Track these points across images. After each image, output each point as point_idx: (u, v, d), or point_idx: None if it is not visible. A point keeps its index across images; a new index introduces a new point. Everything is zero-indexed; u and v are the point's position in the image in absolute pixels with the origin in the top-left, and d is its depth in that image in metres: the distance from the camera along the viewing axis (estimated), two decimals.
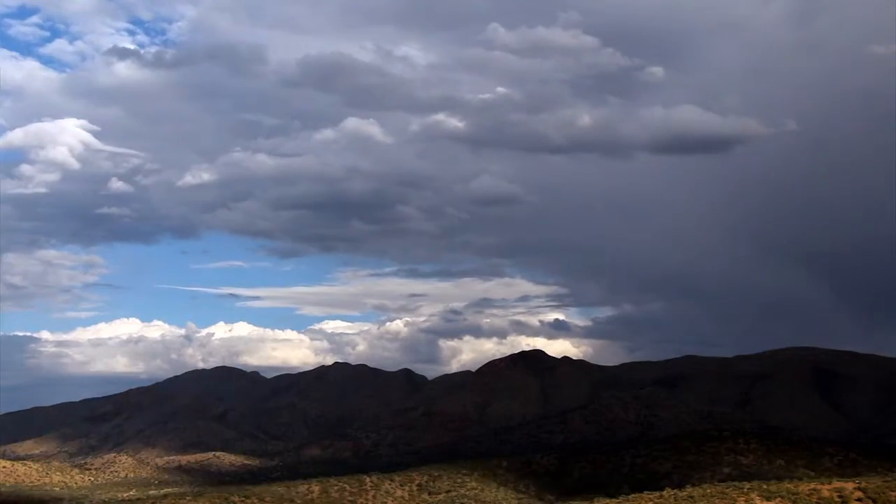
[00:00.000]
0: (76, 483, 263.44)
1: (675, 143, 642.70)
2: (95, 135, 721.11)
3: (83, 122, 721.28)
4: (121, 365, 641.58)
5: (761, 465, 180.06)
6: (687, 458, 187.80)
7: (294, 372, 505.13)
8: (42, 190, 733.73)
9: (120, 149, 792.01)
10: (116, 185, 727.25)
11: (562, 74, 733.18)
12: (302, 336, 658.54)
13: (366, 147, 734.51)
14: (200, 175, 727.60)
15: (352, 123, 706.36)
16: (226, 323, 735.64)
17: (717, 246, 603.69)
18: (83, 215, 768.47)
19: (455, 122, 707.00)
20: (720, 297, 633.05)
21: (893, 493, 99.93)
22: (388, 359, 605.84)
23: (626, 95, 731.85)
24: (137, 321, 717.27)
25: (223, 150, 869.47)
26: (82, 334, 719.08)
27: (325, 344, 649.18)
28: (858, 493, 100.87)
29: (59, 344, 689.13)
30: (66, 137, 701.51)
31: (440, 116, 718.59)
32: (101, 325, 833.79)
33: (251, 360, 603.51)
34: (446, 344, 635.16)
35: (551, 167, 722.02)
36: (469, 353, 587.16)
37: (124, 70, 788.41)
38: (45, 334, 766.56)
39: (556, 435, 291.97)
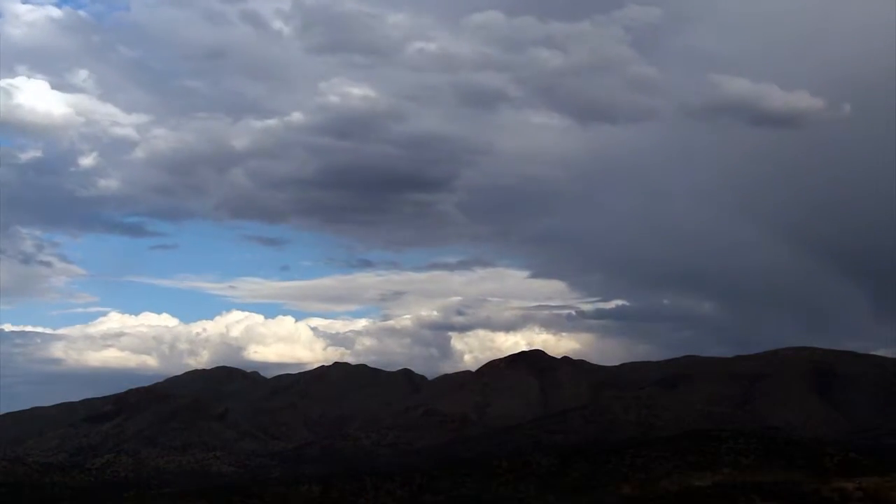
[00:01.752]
0: (76, 483, 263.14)
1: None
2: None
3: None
4: (112, 360, 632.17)
5: (761, 465, 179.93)
6: (687, 458, 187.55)
7: (294, 371, 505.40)
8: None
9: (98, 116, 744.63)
10: (93, 161, 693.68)
11: None
12: (302, 331, 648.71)
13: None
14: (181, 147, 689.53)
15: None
16: (215, 319, 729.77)
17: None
18: (60, 197, 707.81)
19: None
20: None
21: (894, 493, 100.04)
22: (396, 354, 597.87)
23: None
24: (127, 315, 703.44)
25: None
26: (71, 329, 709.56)
27: (328, 340, 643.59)
28: (858, 493, 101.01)
29: (47, 339, 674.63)
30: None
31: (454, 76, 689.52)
32: (90, 320, 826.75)
33: (248, 355, 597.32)
34: (457, 338, 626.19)
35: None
36: (480, 349, 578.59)
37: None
38: (29, 328, 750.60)
39: (556, 435, 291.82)
